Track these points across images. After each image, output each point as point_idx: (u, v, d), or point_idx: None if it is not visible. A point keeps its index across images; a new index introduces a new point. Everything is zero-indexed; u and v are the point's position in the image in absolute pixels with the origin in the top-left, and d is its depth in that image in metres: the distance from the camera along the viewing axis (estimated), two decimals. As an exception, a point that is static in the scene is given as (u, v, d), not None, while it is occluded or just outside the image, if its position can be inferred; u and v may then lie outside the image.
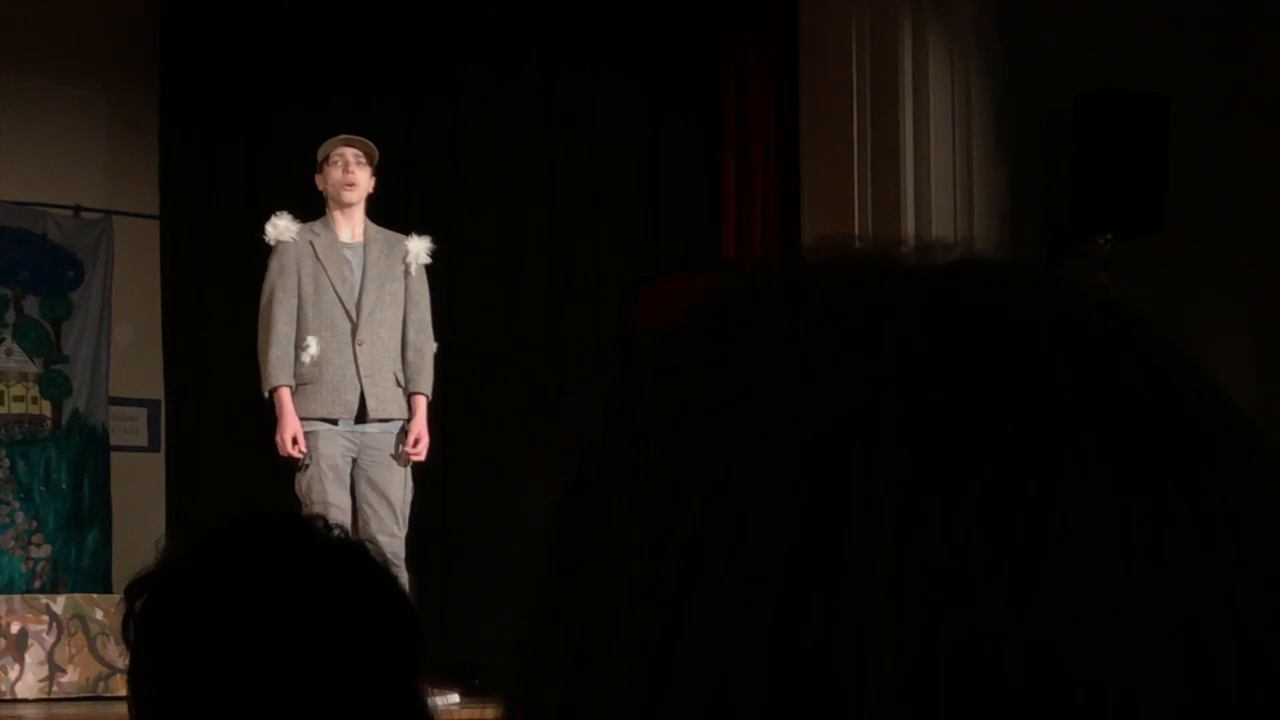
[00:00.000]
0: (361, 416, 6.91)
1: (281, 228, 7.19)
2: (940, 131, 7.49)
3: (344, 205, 7.20)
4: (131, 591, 1.58)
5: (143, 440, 10.54)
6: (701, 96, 8.60)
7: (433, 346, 7.19)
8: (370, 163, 7.32)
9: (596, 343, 8.63)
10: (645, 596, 0.51)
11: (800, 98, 8.09)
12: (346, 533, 1.63)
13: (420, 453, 6.99)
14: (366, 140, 7.38)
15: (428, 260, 7.32)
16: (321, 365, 6.88)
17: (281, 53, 9.76)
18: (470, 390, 8.96)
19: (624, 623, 0.51)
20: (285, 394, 6.81)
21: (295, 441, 6.82)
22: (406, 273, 7.16)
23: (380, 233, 7.28)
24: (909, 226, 7.39)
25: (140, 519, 9.71)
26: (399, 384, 6.99)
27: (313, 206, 9.59)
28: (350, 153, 7.27)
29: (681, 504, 0.52)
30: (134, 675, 1.59)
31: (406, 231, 7.41)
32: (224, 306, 9.78)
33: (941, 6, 7.52)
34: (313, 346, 6.88)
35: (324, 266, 7.02)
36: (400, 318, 7.09)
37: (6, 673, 8.39)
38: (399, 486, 6.97)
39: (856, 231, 7.56)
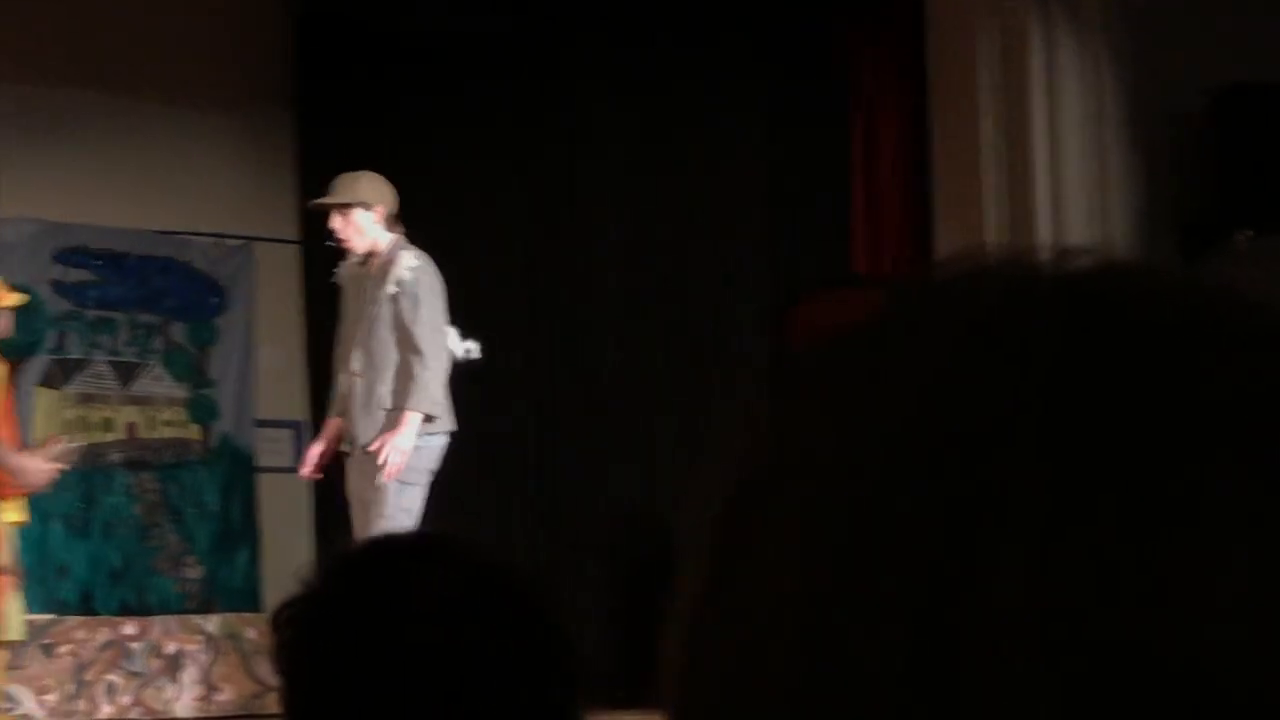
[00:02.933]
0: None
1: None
2: (1073, 131, 7.41)
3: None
4: (279, 617, 1.60)
5: (288, 461, 10.69)
6: (827, 106, 8.58)
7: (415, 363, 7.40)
8: (345, 207, 7.31)
9: (723, 360, 8.63)
10: (798, 609, 0.52)
11: (929, 103, 8.05)
12: (494, 554, 1.62)
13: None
14: (321, 201, 7.46)
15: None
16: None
17: (415, 77, 9.87)
18: (601, 406, 9.03)
19: (778, 636, 0.52)
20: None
21: None
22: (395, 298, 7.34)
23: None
24: (1043, 229, 7.33)
25: (288, 538, 9.88)
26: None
27: (450, 228, 9.72)
28: (333, 220, 7.34)
29: (830, 516, 0.53)
30: (286, 701, 1.61)
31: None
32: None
33: (1070, 4, 7.45)
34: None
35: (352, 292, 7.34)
36: (387, 344, 7.34)
37: (163, 693, 8.56)
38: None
39: (990, 235, 7.51)
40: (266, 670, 8.60)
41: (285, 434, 10.72)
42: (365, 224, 7.15)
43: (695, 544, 0.57)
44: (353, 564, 1.60)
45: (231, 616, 9.02)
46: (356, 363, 7.04)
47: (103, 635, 8.33)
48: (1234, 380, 0.52)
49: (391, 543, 1.63)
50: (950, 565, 0.50)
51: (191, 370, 10.53)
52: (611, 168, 9.20)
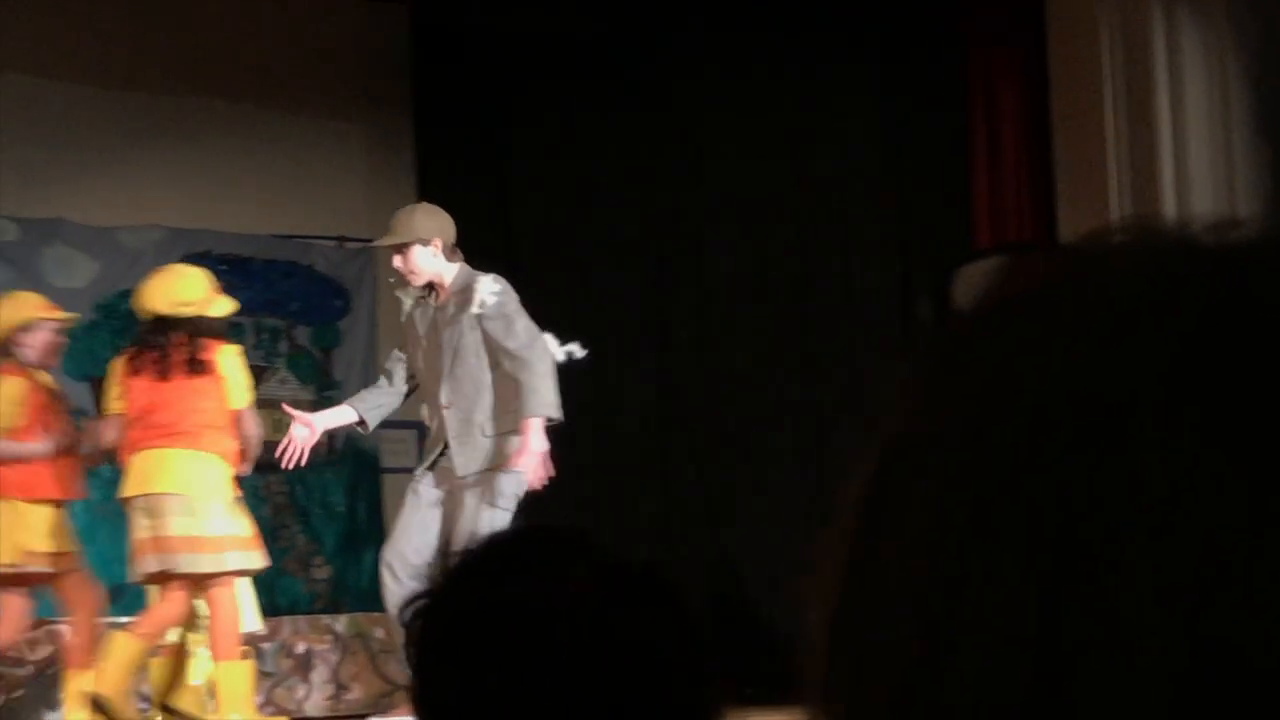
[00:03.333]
0: None
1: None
2: (1197, 120, 7.31)
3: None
4: (409, 612, 1.59)
5: (412, 461, 10.75)
6: (947, 97, 8.51)
7: None
8: (410, 245, 7.23)
9: (845, 345, 8.59)
10: (926, 591, 0.52)
11: (1051, 94, 7.97)
12: (629, 552, 1.59)
13: None
14: (378, 243, 7.41)
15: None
16: None
17: (532, 81, 9.91)
18: (728, 397, 9.02)
19: (907, 611, 0.53)
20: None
21: None
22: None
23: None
24: (1168, 213, 7.23)
25: (414, 539, 9.92)
26: None
27: (566, 232, 9.75)
28: (393, 260, 7.27)
29: (960, 490, 0.52)
30: (417, 697, 1.61)
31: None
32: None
33: (1193, -10, 7.36)
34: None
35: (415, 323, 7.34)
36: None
37: (294, 692, 8.65)
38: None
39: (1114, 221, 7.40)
40: (395, 669, 8.68)
41: (409, 434, 10.79)
42: (424, 259, 7.12)
43: (837, 520, 0.57)
44: (485, 558, 1.60)
45: (359, 616, 9.10)
46: (444, 396, 7.00)
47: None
48: None
49: (525, 536, 1.62)
50: (1070, 555, 0.50)
51: (316, 373, 10.64)
52: (730, 166, 9.18)
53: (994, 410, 0.53)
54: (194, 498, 6.75)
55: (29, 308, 7.33)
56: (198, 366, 6.82)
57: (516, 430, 6.80)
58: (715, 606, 8.68)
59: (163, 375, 6.85)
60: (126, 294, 10.21)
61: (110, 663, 6.84)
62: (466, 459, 6.89)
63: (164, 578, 6.87)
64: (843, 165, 8.80)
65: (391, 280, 7.23)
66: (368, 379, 10.69)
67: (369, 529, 10.60)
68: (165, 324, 6.89)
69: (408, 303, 7.31)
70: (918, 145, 8.59)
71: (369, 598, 10.15)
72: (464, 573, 1.61)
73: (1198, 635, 0.48)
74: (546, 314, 9.23)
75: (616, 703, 1.46)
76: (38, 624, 8.42)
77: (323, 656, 8.76)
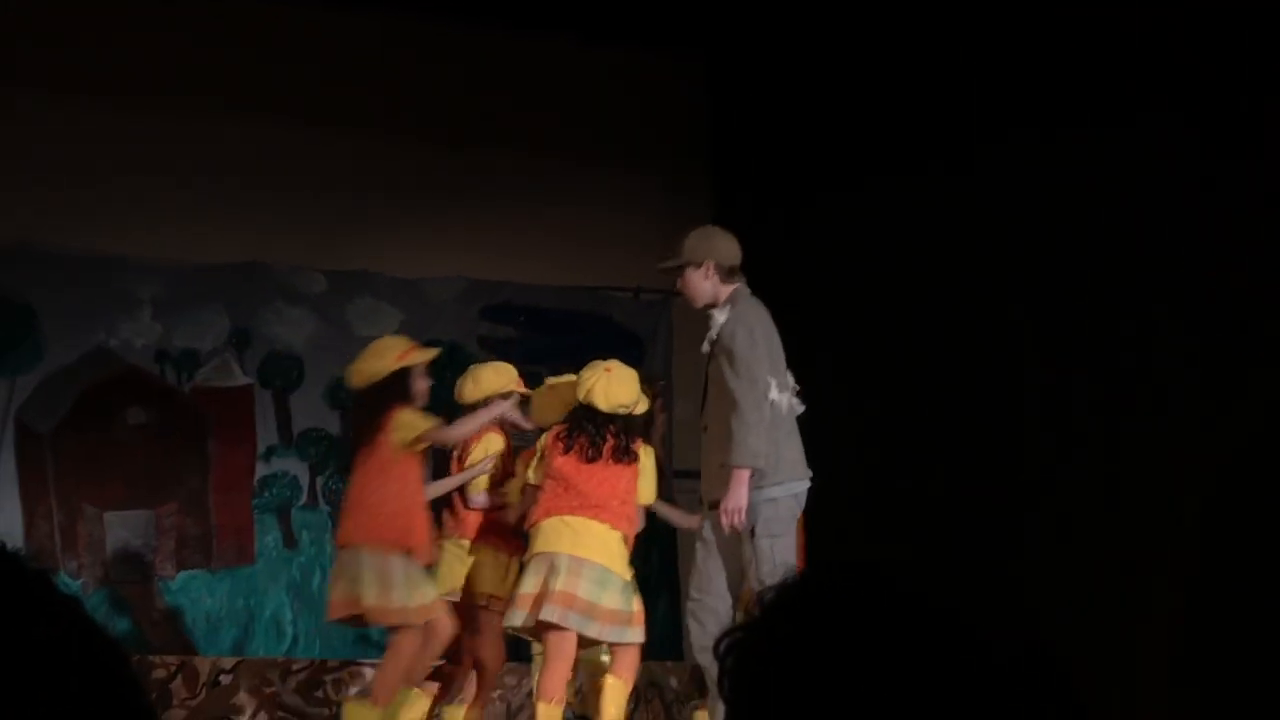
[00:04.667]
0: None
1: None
2: None
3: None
4: (720, 646, 1.59)
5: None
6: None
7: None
8: (683, 268, 7.16)
9: (1144, 378, 8.38)
10: None
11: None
12: (941, 595, 1.56)
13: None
14: (661, 266, 7.35)
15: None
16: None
17: (829, 130, 9.89)
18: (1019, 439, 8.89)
19: None
20: None
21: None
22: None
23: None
24: None
25: (708, 588, 9.94)
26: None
27: (858, 284, 9.69)
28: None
29: None
30: None
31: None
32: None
33: None
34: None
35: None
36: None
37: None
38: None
39: None
40: (686, 717, 8.68)
41: (698, 484, 10.84)
42: (696, 281, 7.11)
43: None
44: (797, 594, 1.59)
45: (653, 664, 9.13)
46: (706, 419, 7.03)
47: (529, 684, 8.53)
48: None
49: (826, 571, 1.60)
50: None
51: (612, 422, 10.74)
52: (1033, 244, 8.99)
53: None
54: (610, 569, 7.18)
55: (509, 379, 7.86)
56: (626, 456, 7.30)
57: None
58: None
59: (592, 458, 7.32)
60: (429, 344, 10.48)
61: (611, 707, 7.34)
62: (711, 485, 6.92)
63: (546, 629, 7.15)
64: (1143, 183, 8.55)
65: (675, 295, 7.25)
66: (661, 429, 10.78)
67: (661, 577, 10.64)
68: (599, 415, 7.33)
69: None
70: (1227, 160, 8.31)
71: (663, 646, 10.19)
72: (778, 606, 1.59)
73: None
74: (831, 368, 9.22)
75: None
76: (342, 664, 8.64)
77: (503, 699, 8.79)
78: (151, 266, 9.86)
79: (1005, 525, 8.86)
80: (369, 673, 8.57)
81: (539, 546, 7.20)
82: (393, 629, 7.22)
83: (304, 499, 10.11)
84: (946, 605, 1.52)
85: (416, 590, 7.17)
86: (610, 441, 7.34)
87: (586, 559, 7.15)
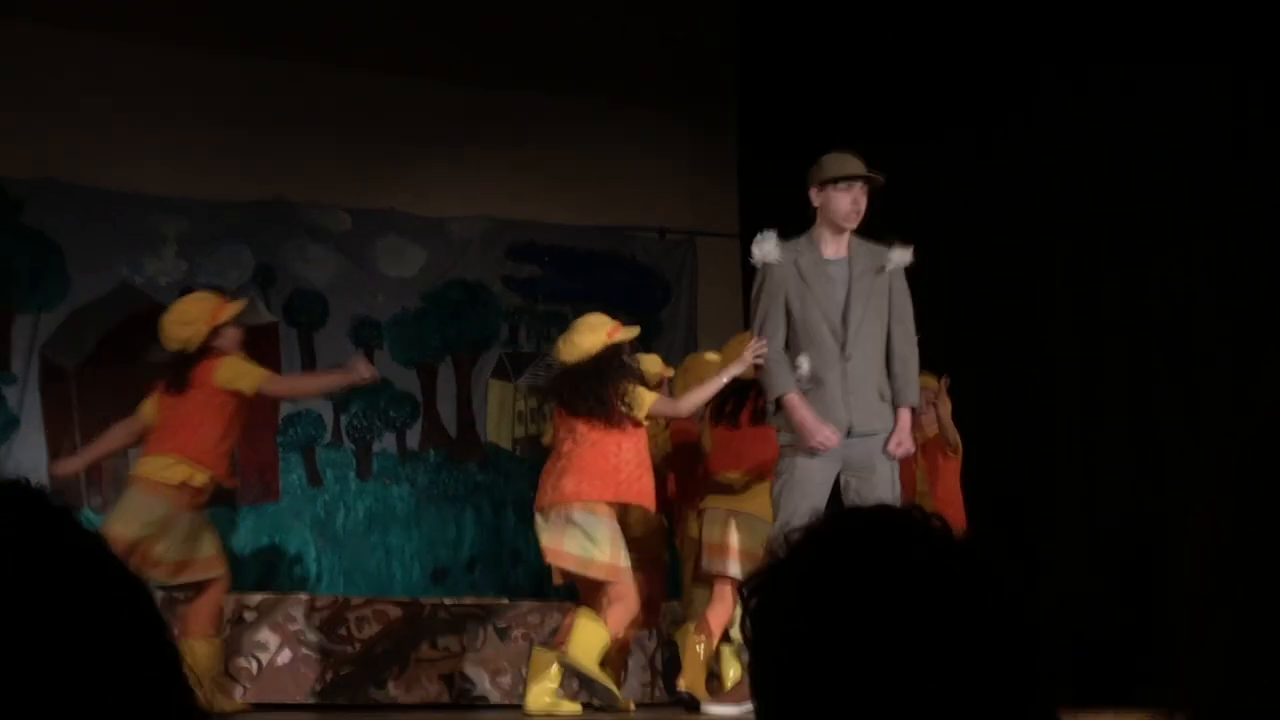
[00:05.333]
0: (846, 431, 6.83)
1: (767, 249, 7.00)
2: None
3: (840, 230, 6.99)
4: (746, 589, 1.60)
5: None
6: None
7: (915, 354, 7.00)
8: (874, 191, 7.08)
9: (1181, 342, 8.34)
10: None
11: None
12: (952, 533, 1.58)
13: (900, 452, 6.82)
14: (878, 175, 7.16)
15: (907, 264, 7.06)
16: (814, 383, 6.78)
17: (856, 71, 9.83)
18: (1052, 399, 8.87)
19: None
20: (795, 398, 6.71)
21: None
22: (890, 284, 6.94)
23: (863, 245, 7.03)
24: None
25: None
26: (882, 398, 6.86)
27: (888, 223, 9.65)
28: (861, 185, 7.02)
29: None
30: (752, 671, 1.62)
31: (890, 243, 7.11)
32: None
33: None
34: (804, 365, 6.77)
35: (809, 286, 6.90)
36: (884, 330, 6.91)
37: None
38: (887, 492, 6.80)
39: None
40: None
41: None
42: None
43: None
44: (823, 536, 1.59)
45: (674, 603, 9.15)
46: (853, 349, 6.87)
47: (554, 619, 8.55)
48: None
49: (864, 515, 1.61)
50: None
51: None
52: (1059, 163, 8.96)
53: None
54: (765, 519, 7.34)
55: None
56: (763, 418, 7.39)
57: (905, 404, 6.96)
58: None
59: (736, 421, 7.90)
60: (453, 284, 10.49)
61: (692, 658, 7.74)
62: (863, 414, 6.86)
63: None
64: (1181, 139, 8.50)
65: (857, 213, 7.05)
66: (687, 369, 10.78)
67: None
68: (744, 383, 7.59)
69: (772, 253, 7.02)
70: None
71: (682, 584, 10.23)
72: (802, 548, 1.60)
73: None
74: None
75: (948, 683, 1.43)
76: (366, 602, 8.68)
77: (639, 641, 8.84)
78: (177, 204, 9.86)
79: (1037, 488, 8.86)
80: (393, 610, 8.61)
81: (728, 503, 7.83)
82: (609, 585, 7.38)
83: (328, 438, 10.13)
84: (966, 546, 1.53)
85: (624, 552, 7.45)
86: (752, 404, 7.80)
87: (756, 515, 7.63)
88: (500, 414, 10.51)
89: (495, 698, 8.68)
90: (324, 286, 10.17)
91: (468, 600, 9.11)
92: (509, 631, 8.83)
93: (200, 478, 7.33)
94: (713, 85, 10.74)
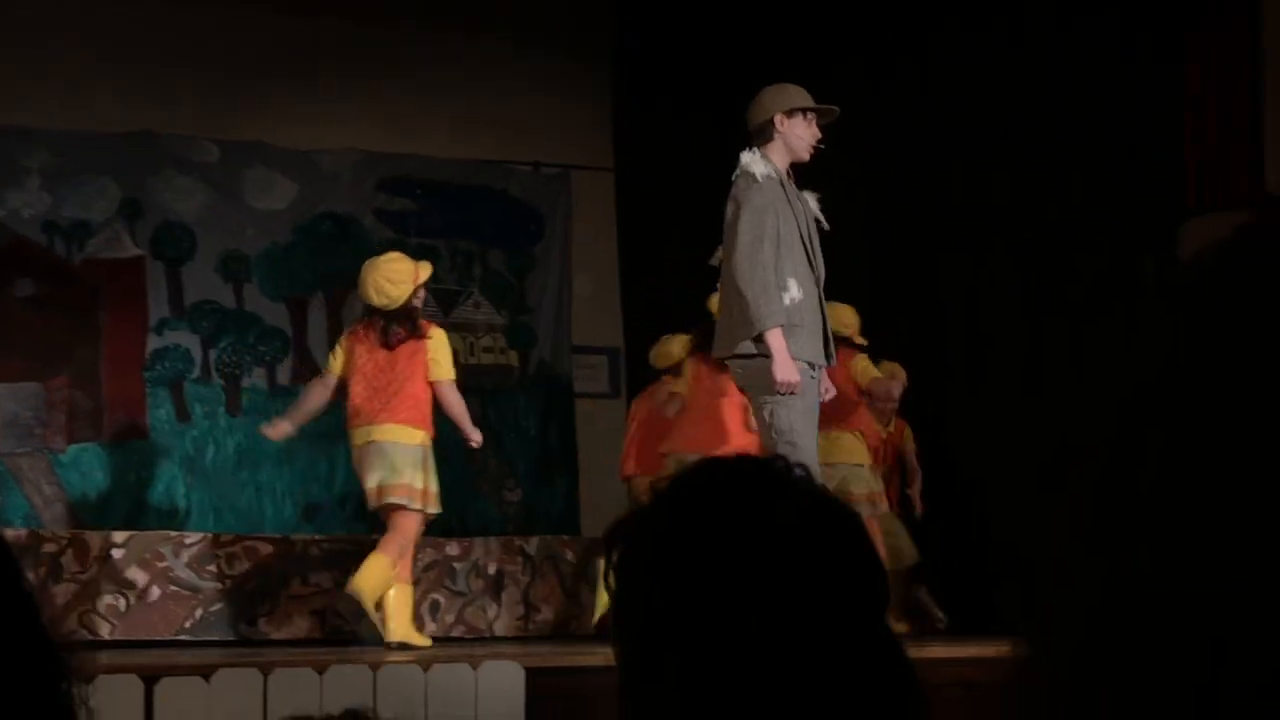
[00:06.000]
0: (826, 357, 6.79)
1: (757, 161, 6.74)
2: None
3: (795, 159, 6.90)
4: (608, 540, 1.62)
5: (604, 387, 10.83)
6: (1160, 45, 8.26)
7: None
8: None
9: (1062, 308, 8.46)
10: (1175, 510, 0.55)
11: (1262, 36, 7.74)
12: (808, 473, 1.63)
13: (828, 398, 6.83)
14: (836, 110, 7.04)
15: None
16: (802, 309, 6.63)
17: (733, 12, 9.80)
18: (950, 347, 8.95)
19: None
20: (781, 334, 6.49)
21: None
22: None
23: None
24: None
25: (604, 463, 9.99)
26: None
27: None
28: (821, 119, 6.84)
29: (1203, 434, 0.55)
30: (616, 619, 1.63)
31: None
32: (679, 253, 9.95)
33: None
34: (793, 289, 6.61)
35: (791, 205, 6.85)
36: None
37: (485, 612, 8.75)
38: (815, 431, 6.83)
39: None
40: (584, 591, 8.73)
41: (600, 360, 10.86)
42: None
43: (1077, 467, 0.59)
44: (687, 487, 1.61)
45: (550, 539, 9.16)
46: (821, 276, 6.81)
47: (427, 555, 8.53)
48: None
49: (710, 467, 1.64)
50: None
51: (509, 296, 10.71)
52: (949, 110, 8.99)
53: (1239, 366, 0.54)
54: None
55: None
56: None
57: None
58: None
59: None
60: (324, 217, 10.38)
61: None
62: (833, 342, 6.87)
63: None
64: (1058, 113, 8.58)
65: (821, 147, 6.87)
66: (561, 303, 10.77)
67: (561, 453, 10.67)
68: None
69: (770, 168, 6.78)
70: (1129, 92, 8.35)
71: (559, 520, 10.25)
72: (668, 500, 1.63)
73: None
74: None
75: (791, 622, 1.48)
76: (236, 539, 8.61)
77: (513, 577, 8.84)
78: (41, 136, 9.67)
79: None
80: (264, 547, 8.54)
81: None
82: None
83: (196, 373, 10.01)
84: (826, 497, 1.57)
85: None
86: None
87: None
88: (371, 349, 10.43)
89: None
90: (192, 219, 10.02)
91: (340, 536, 9.05)
92: (382, 567, 8.79)
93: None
94: (589, 17, 10.66)
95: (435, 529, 7.98)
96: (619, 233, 10.65)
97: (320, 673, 5.39)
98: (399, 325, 7.43)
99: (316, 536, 8.93)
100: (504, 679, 5.59)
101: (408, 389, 7.36)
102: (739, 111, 9.37)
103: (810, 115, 6.80)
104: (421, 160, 10.50)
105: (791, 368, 6.49)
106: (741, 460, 1.60)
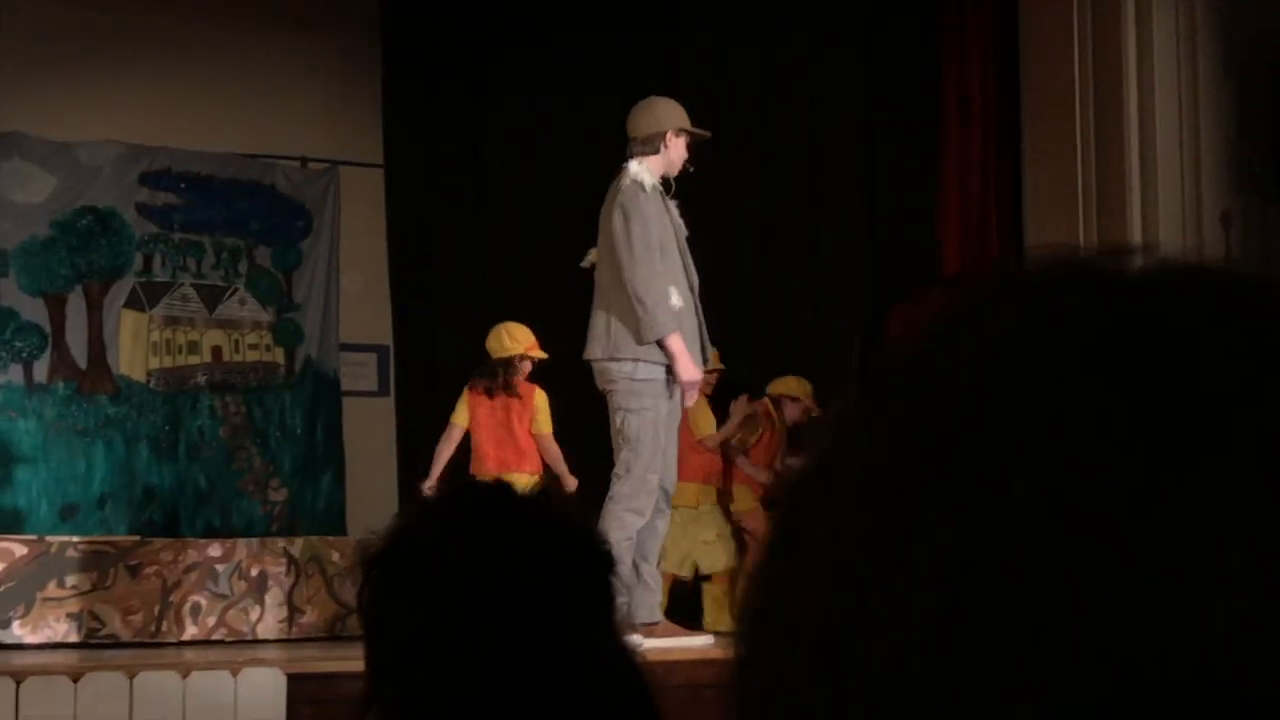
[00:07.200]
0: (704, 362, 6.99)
1: (644, 171, 6.84)
2: (1164, 55, 7.29)
3: (670, 174, 6.93)
4: (365, 564, 1.68)
5: (373, 385, 10.76)
6: (922, 93, 8.47)
7: None
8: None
9: (815, 330, 8.61)
10: (826, 597, 0.54)
11: (1021, 100, 7.99)
12: (547, 495, 1.75)
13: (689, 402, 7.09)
14: (708, 134, 7.11)
15: None
16: (681, 316, 6.79)
17: (502, 4, 9.81)
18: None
19: (809, 618, 0.54)
20: (680, 338, 6.70)
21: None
22: None
23: None
24: (1132, 157, 7.23)
25: (372, 462, 9.94)
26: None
27: (536, 158, 9.66)
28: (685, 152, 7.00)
29: (861, 520, 0.54)
30: (369, 639, 1.69)
31: None
32: (449, 252, 9.94)
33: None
34: (674, 296, 6.75)
35: (669, 215, 6.89)
36: None
37: (248, 614, 8.64)
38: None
39: (1079, 165, 7.42)
40: (349, 593, 8.66)
41: (369, 358, 10.78)
42: None
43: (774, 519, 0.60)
44: (426, 512, 1.71)
45: (315, 539, 9.07)
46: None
47: (189, 557, 8.39)
48: (1248, 382, 0.52)
49: (456, 495, 1.73)
50: (960, 562, 0.51)
51: (276, 293, 10.59)
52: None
53: (900, 444, 0.55)
54: None
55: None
56: None
57: None
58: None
59: None
60: (84, 211, 10.15)
61: None
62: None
63: None
64: (818, 152, 8.75)
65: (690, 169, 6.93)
66: (328, 300, 10.67)
67: (327, 452, 10.57)
68: None
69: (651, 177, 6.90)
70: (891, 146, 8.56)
71: (325, 520, 10.16)
72: (406, 526, 1.72)
73: (1074, 635, 0.50)
74: (512, 236, 9.21)
75: (531, 635, 1.58)
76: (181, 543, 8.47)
77: (277, 579, 8.74)
78: None
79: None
80: (17, 549, 8.34)
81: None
82: None
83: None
84: (576, 523, 1.63)
85: None
86: None
87: None
88: (134, 345, 10.23)
89: (126, 635, 8.48)
90: (-56, 211, 9.74)
91: (98, 538, 8.86)
92: (140, 569, 8.64)
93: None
94: (357, 11, 10.57)
95: (197, 529, 7.87)
96: (388, 230, 10.57)
97: (75, 681, 5.28)
98: (509, 376, 7.87)
99: (74, 538, 8.74)
100: (265, 686, 5.53)
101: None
102: (505, 110, 9.41)
103: (688, 140, 6.94)
104: (185, 154, 10.32)
105: (694, 368, 6.78)
106: (490, 488, 1.65)
